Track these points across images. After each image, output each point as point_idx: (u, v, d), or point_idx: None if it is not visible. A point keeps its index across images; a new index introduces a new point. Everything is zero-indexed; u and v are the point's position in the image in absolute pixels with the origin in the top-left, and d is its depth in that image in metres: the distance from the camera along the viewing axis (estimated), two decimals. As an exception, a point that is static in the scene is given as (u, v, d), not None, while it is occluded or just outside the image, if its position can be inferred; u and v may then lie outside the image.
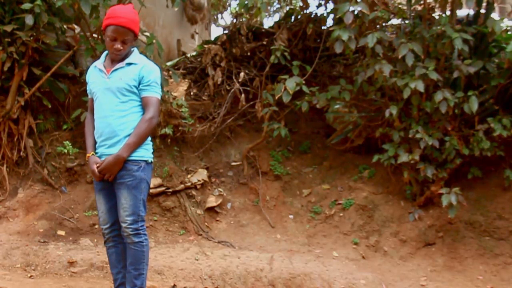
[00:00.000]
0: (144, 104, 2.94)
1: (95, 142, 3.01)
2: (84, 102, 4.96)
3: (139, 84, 2.92)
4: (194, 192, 4.98)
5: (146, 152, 2.96)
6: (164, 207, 4.84)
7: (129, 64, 2.94)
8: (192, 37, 7.91)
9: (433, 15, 4.71)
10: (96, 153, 2.98)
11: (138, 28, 2.95)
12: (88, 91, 3.10)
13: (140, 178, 2.90)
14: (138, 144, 2.88)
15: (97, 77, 3.00)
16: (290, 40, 5.52)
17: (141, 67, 2.94)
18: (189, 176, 5.07)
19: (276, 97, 4.64)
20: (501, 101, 4.52)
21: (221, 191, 5.05)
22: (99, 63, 3.03)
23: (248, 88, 5.48)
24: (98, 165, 2.89)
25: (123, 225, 2.90)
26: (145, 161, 2.94)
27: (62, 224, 4.65)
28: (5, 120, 5.06)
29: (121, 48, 2.88)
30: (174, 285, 3.80)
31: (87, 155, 2.99)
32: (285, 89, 4.54)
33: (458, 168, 4.49)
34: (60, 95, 5.29)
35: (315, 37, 5.62)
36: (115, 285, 3.07)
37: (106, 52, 3.05)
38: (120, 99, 2.91)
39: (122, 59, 2.94)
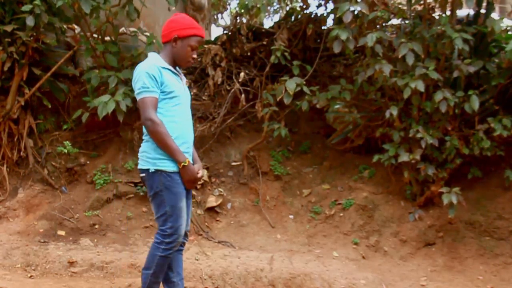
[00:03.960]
0: None
1: None
2: (84, 103, 4.96)
3: None
4: (194, 192, 4.98)
5: None
6: (164, 207, 4.84)
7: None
8: (192, 37, 7.90)
9: (433, 15, 4.71)
10: None
11: None
12: (155, 90, 2.82)
13: None
14: None
15: (176, 81, 2.95)
16: (290, 40, 5.52)
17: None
18: (189, 176, 5.07)
19: (278, 99, 4.65)
20: (501, 101, 4.52)
21: (221, 191, 5.05)
22: (167, 65, 2.93)
23: (248, 88, 5.48)
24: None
25: (187, 233, 3.07)
26: None
27: (62, 224, 4.65)
28: (5, 120, 5.06)
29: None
30: (174, 285, 3.80)
31: (187, 161, 2.83)
32: (286, 90, 4.55)
33: (458, 168, 4.49)
34: (60, 95, 5.30)
35: (315, 37, 5.62)
36: None
37: (157, 54, 2.98)
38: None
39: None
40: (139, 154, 2.94)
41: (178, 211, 2.86)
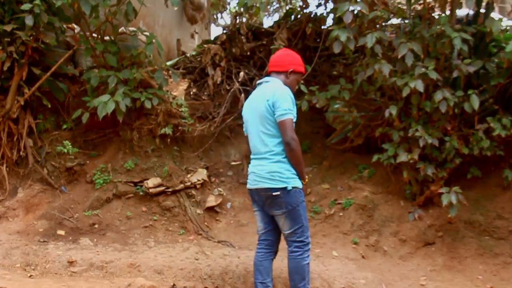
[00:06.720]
0: None
1: None
2: (84, 102, 4.96)
3: None
4: (194, 192, 4.98)
5: None
6: (164, 207, 4.84)
7: None
8: (192, 36, 7.91)
9: (432, 14, 4.71)
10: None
11: None
12: (294, 114, 3.17)
13: None
14: None
15: None
16: (289, 39, 5.52)
17: None
18: (189, 175, 5.07)
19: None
20: (501, 100, 4.52)
21: (220, 191, 5.05)
22: None
23: (248, 88, 5.47)
24: None
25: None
26: None
27: (62, 224, 4.66)
28: (5, 120, 5.07)
29: None
30: (174, 285, 3.80)
31: (307, 177, 3.29)
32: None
33: (458, 167, 4.49)
34: (60, 95, 5.30)
35: (314, 36, 5.62)
36: None
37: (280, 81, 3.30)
38: None
39: None
40: (263, 173, 3.16)
41: (308, 222, 3.24)
